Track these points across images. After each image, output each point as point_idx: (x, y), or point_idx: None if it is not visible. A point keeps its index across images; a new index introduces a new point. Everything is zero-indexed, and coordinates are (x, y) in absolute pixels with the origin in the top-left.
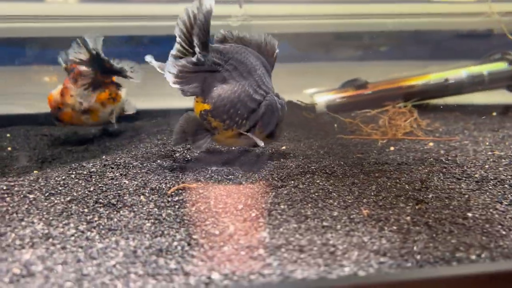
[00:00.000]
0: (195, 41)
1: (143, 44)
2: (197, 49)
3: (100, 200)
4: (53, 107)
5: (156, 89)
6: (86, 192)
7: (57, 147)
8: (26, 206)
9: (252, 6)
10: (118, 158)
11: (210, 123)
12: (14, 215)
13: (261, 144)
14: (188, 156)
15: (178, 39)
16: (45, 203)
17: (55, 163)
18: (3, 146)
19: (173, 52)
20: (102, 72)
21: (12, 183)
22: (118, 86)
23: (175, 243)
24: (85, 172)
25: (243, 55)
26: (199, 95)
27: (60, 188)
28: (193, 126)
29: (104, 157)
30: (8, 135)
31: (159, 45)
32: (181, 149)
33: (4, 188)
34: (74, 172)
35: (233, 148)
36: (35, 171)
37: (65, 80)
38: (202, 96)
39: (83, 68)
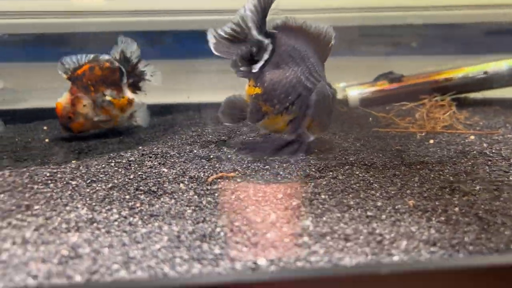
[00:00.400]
0: (254, 26)
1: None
2: (255, 33)
3: (141, 187)
4: (63, 117)
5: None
6: (126, 179)
7: (91, 140)
8: (69, 192)
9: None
10: (155, 148)
11: (260, 107)
12: (59, 200)
13: (310, 136)
14: (224, 147)
15: (230, 24)
16: (87, 190)
17: (92, 153)
18: (41, 138)
19: (224, 34)
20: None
21: (55, 171)
22: (135, 88)
23: (218, 229)
24: (124, 161)
25: (298, 42)
26: (251, 78)
27: (101, 176)
28: (235, 110)
29: (140, 147)
30: (45, 127)
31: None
32: (217, 139)
33: (48, 175)
34: (113, 161)
35: (268, 138)
36: (73, 161)
37: (72, 89)
38: (254, 80)
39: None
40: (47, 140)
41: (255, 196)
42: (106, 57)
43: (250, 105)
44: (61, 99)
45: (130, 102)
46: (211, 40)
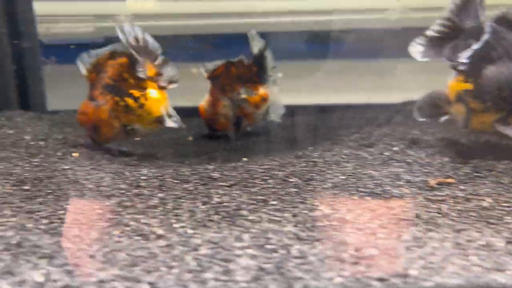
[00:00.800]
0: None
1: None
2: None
3: (361, 189)
4: (207, 118)
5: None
6: (343, 180)
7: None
8: (294, 189)
9: None
10: (338, 149)
11: (468, 104)
12: (288, 196)
13: None
14: (412, 148)
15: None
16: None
17: (263, 152)
18: (185, 135)
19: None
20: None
21: (267, 166)
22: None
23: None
24: (313, 161)
25: None
26: (461, 73)
27: (314, 175)
28: (434, 105)
29: (312, 147)
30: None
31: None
32: (398, 140)
33: (260, 171)
34: (303, 161)
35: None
36: (244, 158)
37: (212, 90)
38: (465, 74)
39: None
40: (190, 138)
41: (499, 204)
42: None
43: (454, 101)
44: (203, 102)
45: (265, 98)
46: (418, 49)
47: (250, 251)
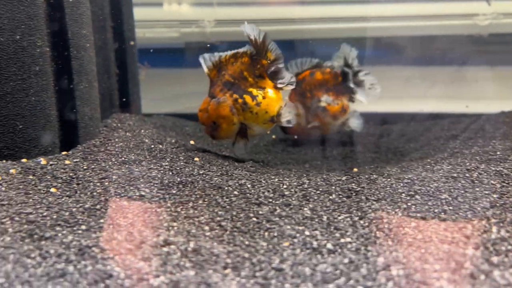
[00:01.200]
0: None
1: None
2: None
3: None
4: None
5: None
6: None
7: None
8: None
9: (502, 4)
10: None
11: None
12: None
13: None
14: None
15: None
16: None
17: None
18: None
19: None
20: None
21: (387, 179)
22: (351, 98)
23: None
24: (442, 168)
25: None
26: None
27: (418, 188)
28: None
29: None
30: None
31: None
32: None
33: (394, 185)
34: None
35: None
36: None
37: (292, 95)
38: None
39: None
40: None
41: None
42: (329, 63)
43: None
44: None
45: (345, 109)
46: None
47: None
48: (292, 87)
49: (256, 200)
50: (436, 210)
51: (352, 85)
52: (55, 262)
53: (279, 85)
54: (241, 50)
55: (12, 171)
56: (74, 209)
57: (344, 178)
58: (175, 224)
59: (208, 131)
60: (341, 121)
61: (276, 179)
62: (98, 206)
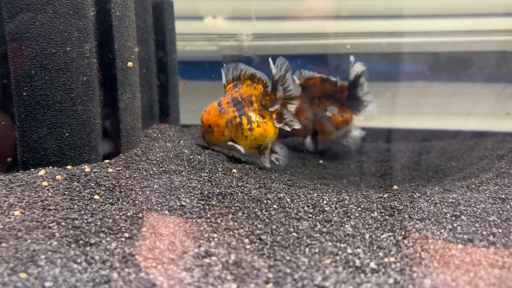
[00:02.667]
0: None
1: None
2: None
3: None
4: None
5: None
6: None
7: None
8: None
9: None
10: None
11: None
12: None
13: None
14: None
15: None
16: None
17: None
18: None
19: None
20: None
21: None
22: (355, 111)
23: None
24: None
25: None
26: None
27: (462, 209)
28: None
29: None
30: None
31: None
32: None
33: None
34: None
35: None
36: (396, 186)
37: (301, 98)
38: None
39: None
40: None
41: None
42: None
43: None
44: None
45: (347, 122)
46: None
47: None
48: (288, 129)
49: (295, 214)
50: (484, 233)
51: (361, 99)
52: (100, 268)
53: (276, 125)
54: (259, 75)
55: (58, 177)
56: (117, 217)
57: (385, 195)
58: (215, 235)
59: (202, 131)
60: (343, 131)
61: (315, 194)
62: (140, 215)
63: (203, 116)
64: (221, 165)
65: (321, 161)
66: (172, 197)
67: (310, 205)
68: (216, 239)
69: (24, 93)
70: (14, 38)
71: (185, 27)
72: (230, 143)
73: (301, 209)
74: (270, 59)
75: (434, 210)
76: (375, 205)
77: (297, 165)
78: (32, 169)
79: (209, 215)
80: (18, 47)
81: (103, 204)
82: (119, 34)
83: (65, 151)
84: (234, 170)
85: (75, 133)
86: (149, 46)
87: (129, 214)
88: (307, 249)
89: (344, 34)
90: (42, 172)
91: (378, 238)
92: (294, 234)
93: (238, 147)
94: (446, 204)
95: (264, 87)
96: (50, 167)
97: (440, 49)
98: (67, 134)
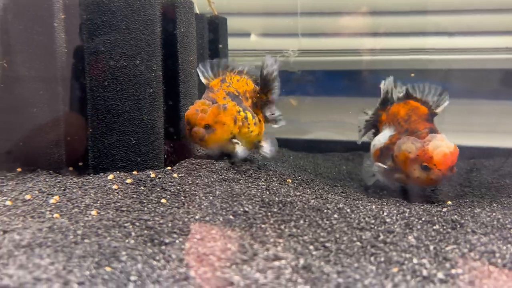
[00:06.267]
0: None
1: None
2: None
3: None
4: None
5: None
6: None
7: None
8: None
9: None
10: None
11: None
12: None
13: None
14: None
15: None
16: None
17: None
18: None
19: None
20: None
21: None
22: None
23: None
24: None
25: None
26: None
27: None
28: None
29: None
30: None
31: None
32: None
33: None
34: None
35: None
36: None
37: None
38: None
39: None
40: None
41: None
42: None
43: None
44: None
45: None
46: None
47: None
48: (277, 126)
49: (357, 224)
50: None
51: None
52: (178, 266)
53: (270, 119)
54: (246, 69)
55: (127, 181)
56: (186, 219)
57: (444, 209)
58: (280, 240)
59: (197, 134)
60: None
61: (374, 206)
62: (207, 218)
63: (195, 115)
64: (276, 175)
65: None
66: (235, 203)
67: (370, 216)
68: (282, 244)
69: (98, 103)
70: (92, 52)
71: (234, 43)
72: (234, 140)
73: (362, 220)
74: (266, 55)
75: (498, 225)
76: (435, 218)
77: (345, 178)
78: (102, 173)
79: (272, 221)
80: (94, 60)
81: (170, 207)
82: (182, 49)
83: (131, 158)
84: (289, 180)
85: (141, 141)
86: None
87: (196, 217)
88: (372, 258)
89: (388, 50)
90: (111, 176)
91: (443, 250)
92: (358, 243)
93: (240, 148)
94: (510, 219)
95: (254, 84)
96: (118, 172)
97: (490, 66)
98: (133, 142)
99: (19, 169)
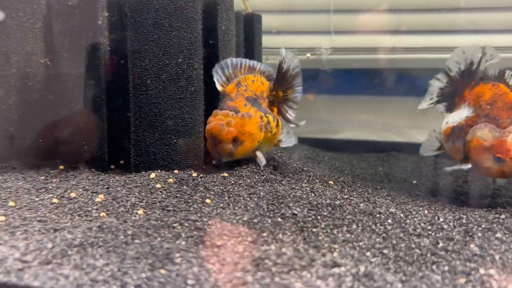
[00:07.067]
0: None
1: None
2: None
3: None
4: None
5: None
6: None
7: None
8: None
9: None
10: None
11: None
12: None
13: None
14: None
15: None
16: None
17: None
18: None
19: None
20: None
21: None
22: None
23: None
24: None
25: None
26: None
27: None
28: None
29: None
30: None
31: None
32: None
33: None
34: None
35: None
36: None
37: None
38: None
39: None
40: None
41: None
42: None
43: None
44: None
45: None
46: None
47: None
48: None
49: (413, 230)
50: None
51: None
52: (233, 270)
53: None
54: (258, 66)
55: (169, 180)
56: (234, 221)
57: (502, 216)
58: (335, 246)
59: (225, 150)
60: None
61: (426, 211)
62: (255, 220)
63: (222, 130)
64: (316, 176)
65: (414, 181)
66: (282, 205)
67: (426, 221)
68: (338, 250)
69: (140, 101)
70: (135, 50)
71: (268, 41)
72: (258, 152)
73: (418, 225)
74: (282, 49)
75: None
76: (495, 226)
77: (383, 180)
78: (143, 172)
79: (323, 226)
80: (137, 58)
81: (215, 208)
82: (223, 47)
83: (172, 156)
84: (331, 182)
85: (182, 139)
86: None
87: (245, 219)
88: (434, 267)
89: (425, 48)
90: (153, 175)
91: (510, 261)
92: (417, 250)
93: (260, 155)
94: None
95: (268, 80)
96: (159, 171)
97: None
98: (174, 141)
99: (61, 167)
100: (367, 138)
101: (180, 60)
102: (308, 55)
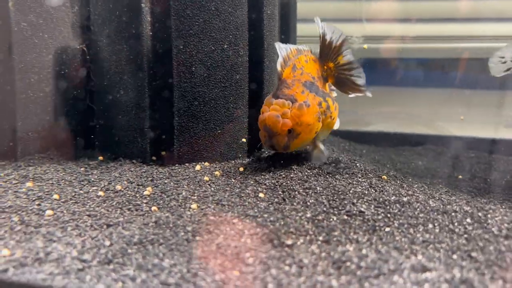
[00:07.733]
0: None
1: None
2: None
3: None
4: None
5: None
6: None
7: None
8: None
9: None
10: None
11: None
12: None
13: None
14: None
15: None
16: None
17: None
18: None
19: None
20: None
21: None
22: None
23: None
24: None
25: None
26: None
27: None
28: None
29: None
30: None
31: None
32: None
33: None
34: None
35: None
36: None
37: None
38: None
39: None
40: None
41: None
42: None
43: None
44: None
45: None
46: None
47: None
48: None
49: (498, 232)
50: None
51: None
52: (313, 273)
53: (358, 91)
54: (301, 47)
55: (216, 173)
56: (297, 217)
57: None
58: (417, 247)
59: (280, 143)
60: None
61: (502, 211)
62: (319, 217)
63: (277, 122)
64: (367, 170)
65: (460, 176)
66: (345, 202)
67: (510, 222)
68: (421, 252)
69: (184, 89)
70: (179, 35)
71: (300, 29)
72: (320, 145)
73: (502, 226)
74: (319, 21)
75: None
76: None
77: (426, 175)
78: (187, 164)
79: (396, 225)
80: (182, 43)
81: (271, 203)
82: (268, 32)
83: (216, 148)
84: (384, 177)
85: (226, 130)
86: None
87: (308, 215)
88: None
89: (467, 37)
90: (198, 167)
91: None
92: (509, 254)
93: (323, 149)
94: None
95: (315, 58)
96: (203, 163)
97: None
98: (219, 131)
99: (100, 158)
100: (402, 131)
101: (226, 46)
102: (365, 46)
